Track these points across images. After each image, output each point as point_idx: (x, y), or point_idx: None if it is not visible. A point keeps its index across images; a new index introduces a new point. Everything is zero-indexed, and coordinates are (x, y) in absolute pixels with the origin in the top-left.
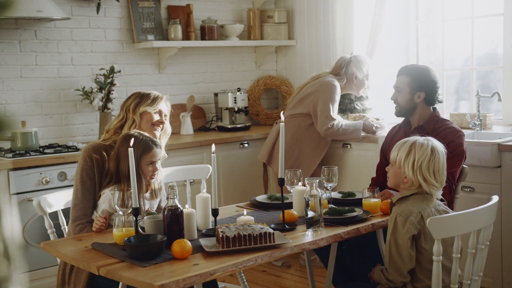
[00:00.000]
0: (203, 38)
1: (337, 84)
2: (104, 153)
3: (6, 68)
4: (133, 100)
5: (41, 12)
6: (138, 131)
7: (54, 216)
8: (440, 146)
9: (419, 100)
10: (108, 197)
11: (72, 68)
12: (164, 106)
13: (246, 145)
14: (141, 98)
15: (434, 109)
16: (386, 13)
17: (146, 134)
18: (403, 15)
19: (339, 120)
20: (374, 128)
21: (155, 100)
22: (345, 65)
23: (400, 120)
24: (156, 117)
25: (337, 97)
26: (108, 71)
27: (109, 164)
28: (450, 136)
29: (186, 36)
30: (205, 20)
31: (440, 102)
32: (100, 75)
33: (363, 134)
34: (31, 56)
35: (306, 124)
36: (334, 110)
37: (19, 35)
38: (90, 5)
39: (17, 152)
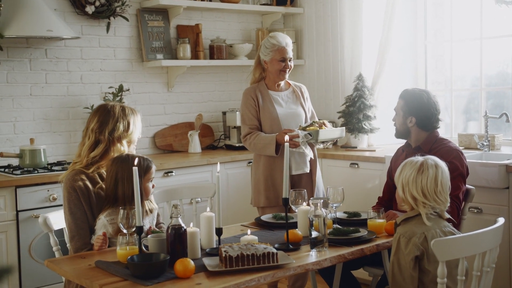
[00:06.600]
0: (211, 57)
1: (245, 91)
2: (85, 178)
3: (16, 86)
4: (113, 127)
5: (51, 32)
6: (127, 153)
7: (60, 232)
8: (433, 163)
9: (411, 124)
10: (104, 224)
11: (81, 87)
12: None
13: None
14: (116, 123)
15: (433, 130)
16: (394, 33)
17: (137, 154)
18: (412, 35)
19: (258, 133)
20: (287, 141)
21: (135, 122)
22: (257, 56)
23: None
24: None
25: (245, 103)
26: (117, 90)
27: (106, 190)
28: (447, 156)
29: (195, 55)
30: (214, 39)
31: (435, 128)
32: (109, 93)
33: (296, 150)
34: (41, 74)
35: None
36: (245, 119)
37: (29, 53)
38: (100, 24)
39: (25, 169)
